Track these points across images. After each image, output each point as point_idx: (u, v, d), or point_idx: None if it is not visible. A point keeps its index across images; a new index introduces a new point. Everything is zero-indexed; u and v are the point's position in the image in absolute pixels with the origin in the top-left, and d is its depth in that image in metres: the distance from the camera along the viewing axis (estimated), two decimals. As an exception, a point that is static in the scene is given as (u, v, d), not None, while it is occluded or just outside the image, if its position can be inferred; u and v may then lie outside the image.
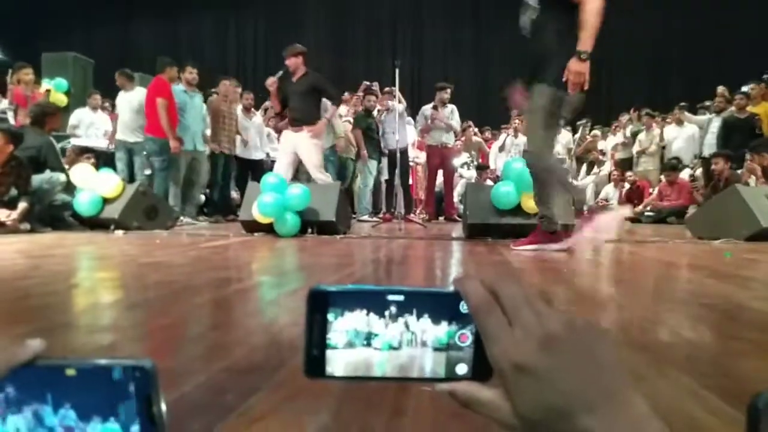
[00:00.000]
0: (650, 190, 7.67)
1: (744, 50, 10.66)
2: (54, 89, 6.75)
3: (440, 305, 0.37)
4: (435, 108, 7.09)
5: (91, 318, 1.24)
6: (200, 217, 6.03)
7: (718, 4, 11.47)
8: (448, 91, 7.06)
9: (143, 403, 0.32)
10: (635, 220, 7.14)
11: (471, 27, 13.41)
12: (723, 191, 4.26)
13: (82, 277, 1.99)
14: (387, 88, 7.60)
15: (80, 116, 6.67)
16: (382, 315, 0.36)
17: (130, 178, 5.73)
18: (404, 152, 7.09)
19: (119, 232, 4.02)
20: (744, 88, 6.90)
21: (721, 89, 7.55)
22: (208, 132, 6.30)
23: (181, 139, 5.54)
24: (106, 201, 4.30)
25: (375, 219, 6.35)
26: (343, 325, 0.36)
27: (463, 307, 0.37)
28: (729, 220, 3.82)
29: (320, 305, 0.36)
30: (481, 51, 13.29)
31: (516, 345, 0.33)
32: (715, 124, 6.93)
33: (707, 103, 7.92)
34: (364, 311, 0.36)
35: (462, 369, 0.37)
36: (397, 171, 6.10)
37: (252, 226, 3.93)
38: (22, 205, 3.99)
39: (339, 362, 0.36)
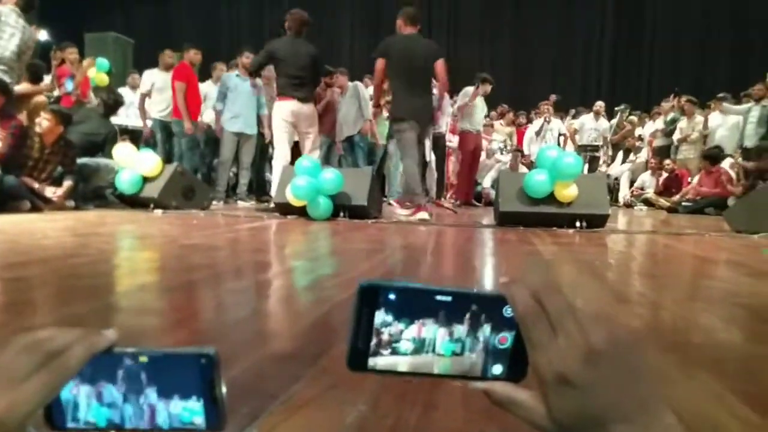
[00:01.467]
0: (689, 179, 7.47)
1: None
2: (96, 68, 6.93)
3: (486, 308, 0.39)
4: (477, 86, 7.01)
5: (138, 300, 1.31)
6: (244, 197, 6.19)
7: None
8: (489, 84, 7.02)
9: (207, 386, 0.36)
10: (672, 209, 6.99)
11: (509, 8, 13.10)
12: (763, 185, 4.13)
13: (127, 257, 2.09)
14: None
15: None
16: (430, 317, 0.38)
17: (168, 157, 5.91)
18: (440, 137, 7.06)
19: (158, 211, 4.15)
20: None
21: (770, 75, 7.26)
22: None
23: (199, 122, 5.89)
24: (146, 180, 4.44)
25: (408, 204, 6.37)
26: (392, 329, 0.38)
27: (507, 311, 0.39)
28: (769, 214, 3.72)
29: (369, 300, 0.38)
30: (519, 33, 13.00)
31: (560, 355, 0.36)
32: (755, 113, 6.68)
33: (751, 89, 7.62)
34: (415, 315, 0.38)
35: (497, 369, 0.39)
36: (431, 155, 6.11)
37: (285, 209, 4.00)
38: (68, 183, 4.17)
39: (384, 361, 0.38)
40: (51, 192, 4.06)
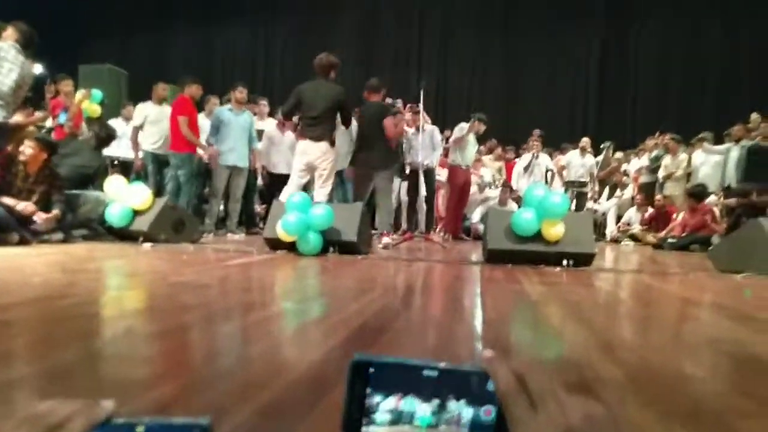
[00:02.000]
0: (674, 215, 7.60)
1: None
2: (89, 99, 7.00)
3: (470, 382, 0.42)
4: (474, 121, 7.17)
5: (125, 347, 1.32)
6: (234, 230, 6.21)
7: (755, 28, 11.27)
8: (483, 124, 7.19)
9: None
10: (658, 246, 7.09)
11: (499, 42, 13.41)
12: (747, 223, 4.21)
13: (115, 298, 2.09)
14: (411, 106, 7.70)
15: (112, 127, 6.91)
16: (418, 392, 0.42)
17: (159, 189, 5.95)
18: (431, 171, 7.16)
19: (147, 245, 4.15)
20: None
21: (755, 116, 7.47)
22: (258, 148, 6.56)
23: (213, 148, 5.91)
24: (135, 213, 4.45)
25: (395, 236, 6.42)
26: (383, 404, 0.42)
27: (491, 386, 0.43)
28: (752, 254, 3.78)
29: (361, 373, 0.42)
30: (508, 67, 13.30)
31: None
32: (734, 153, 6.87)
33: (732, 129, 7.84)
34: (403, 390, 0.42)
35: None
36: (422, 189, 6.20)
37: (275, 244, 4.02)
38: (55, 212, 4.15)
39: (376, 430, 0.42)
40: (38, 216, 3.99)
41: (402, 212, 7.58)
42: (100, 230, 4.51)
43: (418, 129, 6.69)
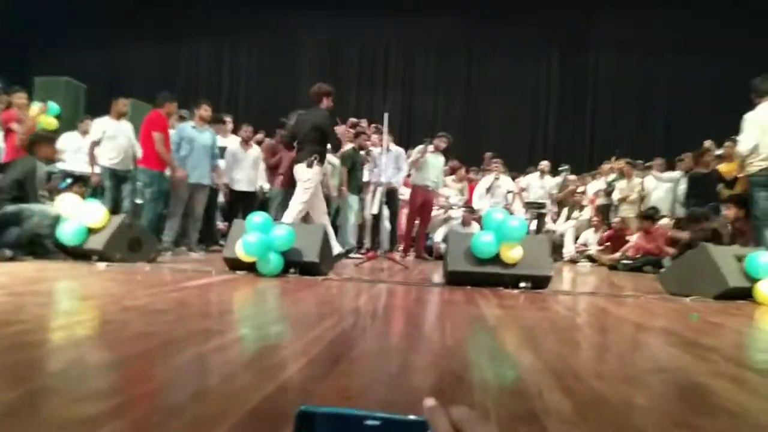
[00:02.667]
0: (628, 238, 7.84)
1: (728, 101, 11.08)
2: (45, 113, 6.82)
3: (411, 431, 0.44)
4: (428, 145, 7.31)
5: (74, 380, 1.28)
6: (194, 248, 6.10)
7: (705, 54, 11.84)
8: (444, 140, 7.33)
9: None
10: (613, 267, 7.30)
11: (462, 67, 13.71)
12: (694, 249, 4.39)
13: (65, 325, 2.02)
14: (377, 126, 7.78)
15: (68, 141, 6.75)
16: None
17: (115, 206, 5.82)
18: (394, 191, 7.23)
19: (101, 265, 4.03)
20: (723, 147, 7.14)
21: (708, 143, 7.79)
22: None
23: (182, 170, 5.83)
24: (90, 231, 4.32)
25: (358, 256, 6.43)
26: None
27: None
28: (699, 278, 3.95)
29: (306, 424, 0.44)
30: (471, 91, 13.62)
31: None
32: (682, 185, 7.22)
33: (685, 155, 8.16)
34: None
35: None
36: (383, 208, 6.26)
37: (235, 264, 3.97)
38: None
39: None
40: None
41: (366, 230, 7.60)
42: (51, 248, 4.35)
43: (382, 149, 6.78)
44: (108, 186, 6.04)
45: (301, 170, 5.23)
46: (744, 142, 4.93)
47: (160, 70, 13.64)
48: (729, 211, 6.16)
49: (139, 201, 5.95)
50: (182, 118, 6.55)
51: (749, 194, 5.08)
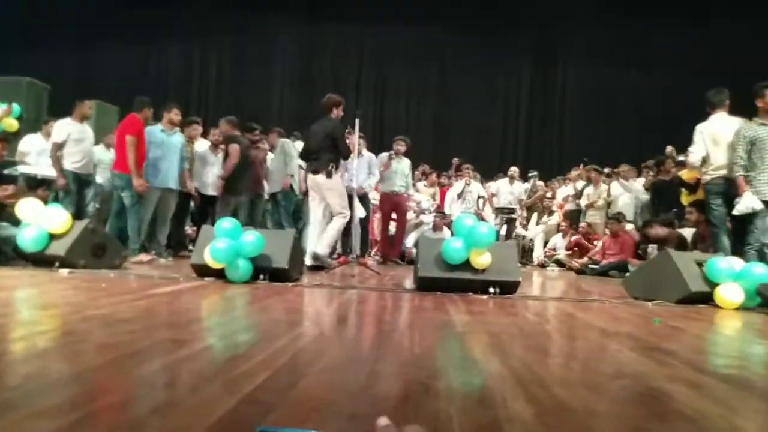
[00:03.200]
0: (595, 242, 8.02)
1: (690, 111, 11.45)
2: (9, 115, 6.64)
3: None
4: (390, 157, 7.39)
5: (32, 395, 1.25)
6: (162, 253, 5.99)
7: (668, 66, 12.24)
8: (402, 143, 7.36)
9: None
10: (581, 271, 7.45)
11: (435, 74, 13.85)
12: (657, 254, 4.52)
13: (23, 337, 1.96)
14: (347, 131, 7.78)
15: (31, 143, 6.56)
16: None
17: (79, 210, 5.70)
18: (366, 196, 7.22)
19: (64, 271, 3.93)
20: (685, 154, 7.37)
21: (670, 149, 8.03)
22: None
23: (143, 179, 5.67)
24: (52, 237, 4.20)
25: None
26: None
27: None
28: (662, 283, 4.07)
29: None
30: (444, 96, 13.76)
31: None
32: (646, 196, 7.43)
33: (650, 162, 8.40)
34: None
35: None
36: (356, 213, 6.25)
37: (203, 271, 3.91)
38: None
39: None
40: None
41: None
42: (11, 254, 4.22)
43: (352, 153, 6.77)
44: (71, 190, 5.90)
45: (322, 181, 5.46)
46: (695, 152, 5.10)
47: (128, 72, 13.37)
48: (691, 216, 6.35)
49: (96, 206, 5.85)
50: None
51: (705, 202, 5.26)
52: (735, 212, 4.72)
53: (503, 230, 8.87)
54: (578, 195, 9.03)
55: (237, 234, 3.79)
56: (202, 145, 7.03)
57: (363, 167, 7.01)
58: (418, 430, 0.44)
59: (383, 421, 0.45)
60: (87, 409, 1.18)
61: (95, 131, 6.71)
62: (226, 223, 3.88)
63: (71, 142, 5.88)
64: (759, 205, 4.55)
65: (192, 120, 7.06)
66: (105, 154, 6.99)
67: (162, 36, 13.74)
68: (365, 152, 7.21)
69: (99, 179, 6.83)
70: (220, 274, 3.82)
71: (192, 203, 6.88)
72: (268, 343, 1.92)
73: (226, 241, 3.70)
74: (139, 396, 1.30)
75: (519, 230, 9.42)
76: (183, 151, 6.16)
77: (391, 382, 1.50)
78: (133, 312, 2.47)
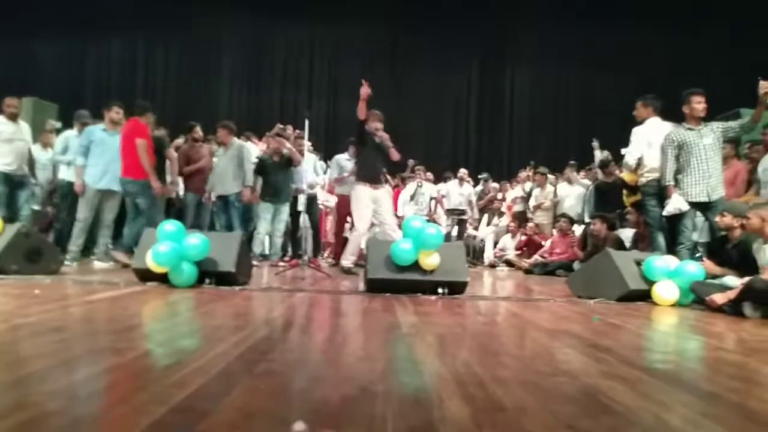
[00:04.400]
0: (543, 243, 8.23)
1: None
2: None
3: None
4: (349, 160, 7.33)
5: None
6: (102, 258, 5.74)
7: (616, 70, 12.68)
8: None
9: None
10: (529, 271, 7.62)
11: (386, 76, 13.89)
12: (598, 254, 4.67)
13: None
14: (299, 133, 7.71)
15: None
16: None
17: (11, 213, 5.43)
18: (314, 198, 7.18)
19: (-7, 278, 3.72)
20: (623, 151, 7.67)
21: (606, 154, 8.32)
22: None
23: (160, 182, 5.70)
24: (-19, 242, 3.98)
25: (281, 264, 6.32)
26: None
27: None
28: (603, 281, 4.21)
29: None
30: (395, 97, 13.81)
31: None
32: (593, 190, 7.67)
33: (593, 165, 8.70)
34: None
35: None
36: (303, 215, 6.19)
37: (145, 275, 3.78)
38: None
39: None
40: None
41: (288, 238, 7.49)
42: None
43: (302, 155, 6.71)
44: (1, 192, 5.60)
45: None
46: (632, 153, 5.31)
47: (67, 67, 12.78)
48: (631, 217, 6.60)
49: (36, 207, 5.58)
50: (84, 125, 6.18)
51: (641, 203, 5.48)
52: (664, 213, 4.94)
53: (454, 231, 8.99)
54: (526, 197, 9.26)
55: (181, 237, 3.68)
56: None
57: (310, 169, 6.98)
58: None
59: (299, 426, 0.44)
60: (2, 425, 1.11)
61: (32, 129, 6.40)
62: (168, 225, 3.76)
63: (1, 141, 5.58)
64: (685, 206, 4.77)
65: (192, 125, 6.84)
66: (42, 154, 6.68)
67: (104, 27, 13.18)
68: (310, 154, 7.19)
69: (38, 179, 6.52)
70: (163, 279, 3.70)
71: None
72: (208, 349, 1.87)
73: (169, 244, 3.59)
74: (61, 409, 1.23)
75: (470, 231, 9.56)
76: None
77: (331, 387, 1.48)
78: (66, 320, 2.36)
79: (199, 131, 6.69)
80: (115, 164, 5.71)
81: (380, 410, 1.26)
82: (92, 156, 5.62)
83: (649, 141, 5.20)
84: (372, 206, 5.61)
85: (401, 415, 1.24)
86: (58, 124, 7.22)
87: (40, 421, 1.14)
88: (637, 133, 5.33)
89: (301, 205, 6.37)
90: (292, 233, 7.22)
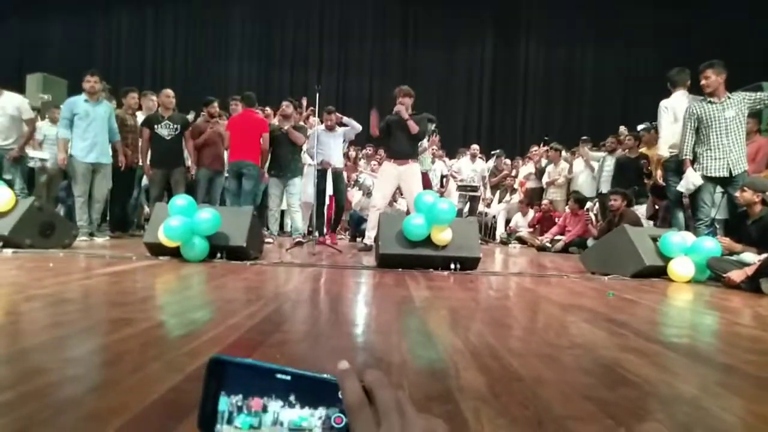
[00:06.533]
0: (556, 219, 8.15)
1: (649, 89, 11.69)
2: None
3: (321, 389, 0.44)
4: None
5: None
6: (96, 232, 5.73)
7: (631, 42, 12.42)
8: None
9: None
10: (542, 248, 7.57)
11: (397, 50, 13.70)
12: (613, 230, 4.62)
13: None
14: (311, 108, 7.61)
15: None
16: (272, 393, 0.44)
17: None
18: (340, 173, 6.91)
19: (7, 251, 3.75)
20: (639, 127, 7.53)
21: (622, 128, 8.19)
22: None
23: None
24: (-6, 216, 4.00)
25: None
26: (237, 401, 0.44)
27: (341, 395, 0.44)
28: (618, 257, 4.17)
29: (217, 373, 0.45)
30: (407, 72, 13.65)
31: None
32: (609, 162, 7.51)
33: (604, 141, 8.55)
34: (256, 391, 0.44)
35: None
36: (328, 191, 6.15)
37: (157, 249, 3.80)
38: None
39: (230, 429, 0.44)
40: None
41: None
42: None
43: (329, 129, 6.55)
44: None
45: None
46: (665, 126, 5.16)
47: (78, 44, 12.74)
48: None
49: (7, 176, 5.57)
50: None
51: (664, 179, 5.37)
52: (678, 188, 4.85)
53: (466, 208, 8.93)
54: (540, 173, 9.14)
55: (192, 211, 3.68)
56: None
57: (339, 143, 6.77)
58: (378, 375, 0.42)
59: (343, 364, 0.43)
60: (18, 390, 1.12)
61: (42, 105, 6.38)
62: (180, 200, 3.76)
63: None
64: (699, 182, 4.66)
65: (210, 100, 6.75)
66: (51, 130, 6.66)
67: (113, 3, 13.09)
68: (338, 128, 6.90)
69: (46, 155, 6.51)
70: (175, 253, 3.71)
71: (145, 181, 6.59)
72: (221, 321, 1.86)
73: (180, 218, 3.59)
74: (76, 376, 1.23)
75: (482, 208, 9.50)
76: (111, 122, 5.79)
77: (346, 357, 1.47)
78: (80, 291, 2.37)
79: (215, 106, 6.59)
80: (101, 136, 5.62)
81: (396, 380, 1.24)
82: (78, 129, 5.48)
83: (675, 115, 5.08)
84: (395, 183, 5.59)
85: (418, 385, 1.22)
86: (45, 97, 7.17)
87: (58, 386, 1.14)
88: (665, 106, 5.19)
89: (329, 181, 6.30)
90: (317, 208, 6.97)
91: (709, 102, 4.69)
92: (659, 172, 5.79)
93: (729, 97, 4.65)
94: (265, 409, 0.43)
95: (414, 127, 5.50)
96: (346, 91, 13.47)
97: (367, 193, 8.49)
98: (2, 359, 1.33)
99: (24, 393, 1.10)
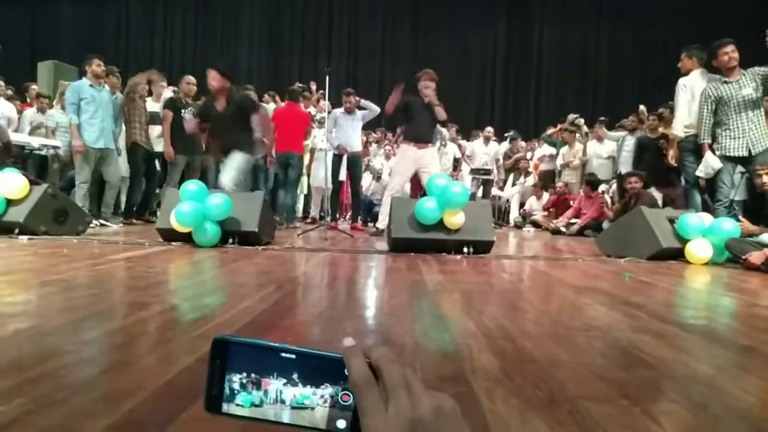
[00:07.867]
0: (572, 202, 8.06)
1: (667, 69, 11.47)
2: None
3: (327, 367, 0.44)
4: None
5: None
6: (109, 219, 5.76)
7: (646, 23, 12.17)
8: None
9: None
10: (556, 231, 7.50)
11: (408, 33, 13.56)
12: (630, 212, 4.55)
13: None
14: (321, 92, 7.58)
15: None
16: (276, 371, 0.43)
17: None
18: (357, 158, 6.87)
19: (23, 238, 3.79)
20: (660, 110, 7.37)
21: (641, 108, 8.02)
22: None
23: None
24: (9, 203, 4.04)
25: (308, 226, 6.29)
26: (243, 380, 0.44)
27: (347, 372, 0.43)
28: (634, 240, 4.11)
29: (221, 353, 0.44)
30: (418, 55, 13.50)
31: (386, 424, 0.39)
32: (628, 142, 7.36)
33: (625, 121, 8.38)
34: (261, 370, 0.44)
35: (341, 424, 0.43)
36: (326, 175, 6.10)
37: (169, 235, 3.81)
38: None
39: (236, 408, 0.43)
40: None
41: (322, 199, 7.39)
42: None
43: (348, 111, 6.51)
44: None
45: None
46: (682, 105, 5.05)
47: (88, 31, 12.76)
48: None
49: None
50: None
51: (680, 160, 5.26)
52: (697, 173, 4.76)
53: (480, 192, 8.87)
54: (554, 155, 9.03)
55: (203, 197, 3.69)
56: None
57: (358, 127, 6.69)
58: (385, 351, 0.40)
59: (348, 341, 0.41)
60: (34, 371, 1.12)
61: (53, 93, 6.39)
62: (191, 185, 3.76)
63: None
64: (718, 165, 4.58)
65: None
66: (63, 117, 6.67)
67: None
68: (358, 111, 6.72)
69: (59, 143, 6.54)
70: (187, 239, 3.73)
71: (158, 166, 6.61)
72: (233, 305, 1.87)
73: (192, 204, 3.60)
74: (90, 358, 1.24)
75: (495, 191, 9.42)
76: (115, 108, 5.81)
77: (358, 339, 1.46)
78: (94, 277, 2.39)
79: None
80: (108, 121, 5.62)
81: (409, 361, 1.23)
82: (85, 114, 5.48)
83: (692, 94, 4.97)
84: (413, 166, 5.50)
85: (431, 366, 1.21)
86: (66, 83, 7.16)
87: (74, 367, 1.15)
88: (684, 84, 5.08)
89: (343, 166, 6.30)
90: (333, 194, 6.95)
91: (725, 82, 4.58)
92: (672, 152, 5.67)
93: (743, 74, 4.55)
94: (267, 387, 0.43)
95: (443, 114, 5.43)
96: (357, 76, 13.37)
97: (377, 177, 8.46)
98: (19, 342, 1.34)
99: (40, 374, 1.11)
